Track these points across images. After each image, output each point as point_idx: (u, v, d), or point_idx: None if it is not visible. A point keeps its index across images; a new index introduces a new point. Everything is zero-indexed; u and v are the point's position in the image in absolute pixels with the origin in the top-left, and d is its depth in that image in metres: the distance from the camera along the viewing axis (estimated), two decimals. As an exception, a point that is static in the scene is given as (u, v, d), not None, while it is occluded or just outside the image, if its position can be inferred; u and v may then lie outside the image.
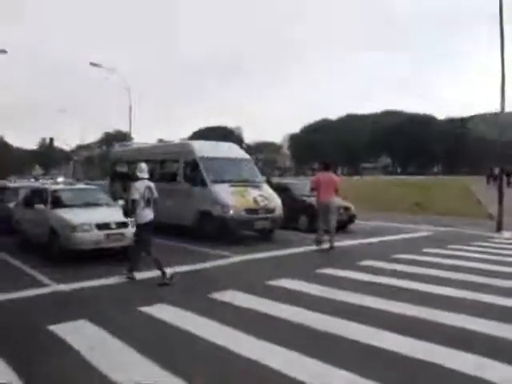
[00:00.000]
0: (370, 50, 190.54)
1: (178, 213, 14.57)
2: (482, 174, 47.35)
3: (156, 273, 8.63)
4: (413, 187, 38.70)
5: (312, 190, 13.34)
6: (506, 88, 16.41)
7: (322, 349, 5.22)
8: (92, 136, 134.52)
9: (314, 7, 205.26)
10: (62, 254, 10.70)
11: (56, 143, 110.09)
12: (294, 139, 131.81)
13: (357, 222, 17.20)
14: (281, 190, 16.21)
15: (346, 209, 16.54)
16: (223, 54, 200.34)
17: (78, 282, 8.56)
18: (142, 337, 5.70)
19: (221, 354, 5.13)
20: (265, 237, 14.45)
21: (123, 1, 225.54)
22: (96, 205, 12.18)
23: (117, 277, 8.90)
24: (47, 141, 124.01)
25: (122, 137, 67.17)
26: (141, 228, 8.93)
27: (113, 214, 11.11)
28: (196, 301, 7.28)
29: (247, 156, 16.73)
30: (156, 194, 9.16)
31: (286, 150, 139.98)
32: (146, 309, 6.81)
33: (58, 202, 11.89)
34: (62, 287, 8.31)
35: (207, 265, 10.26)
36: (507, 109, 16.67)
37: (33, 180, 49.10)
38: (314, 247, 12.41)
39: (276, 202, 14.51)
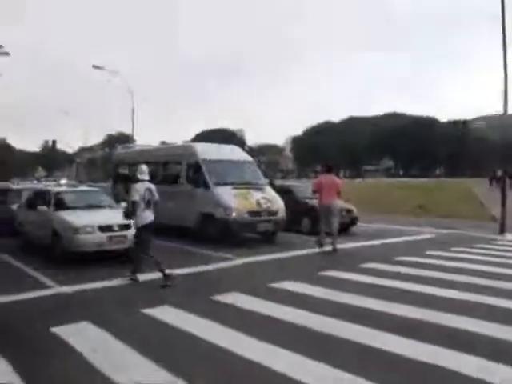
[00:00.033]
0: (370, 50, 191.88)
1: (181, 215, 14.58)
2: (485, 176, 47.29)
3: (158, 275, 8.63)
4: (415, 189, 38.69)
5: (314, 192, 13.35)
6: (508, 88, 16.37)
7: (325, 351, 5.20)
8: (95, 138, 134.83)
9: (314, 7, 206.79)
10: (64, 255, 10.71)
11: (59, 145, 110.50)
12: (297, 141, 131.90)
13: (359, 224, 17.19)
14: (283, 192, 16.18)
15: (349, 211, 16.54)
16: (224, 55, 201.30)
17: (80, 284, 8.56)
18: (145, 339, 5.69)
19: (223, 356, 5.12)
20: (267, 239, 14.44)
21: (123, 1, 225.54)
22: (99, 207, 12.20)
23: (119, 279, 8.91)
24: (50, 143, 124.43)
25: (125, 139, 67.32)
26: (141, 230, 8.94)
27: (115, 216, 11.11)
28: (199, 303, 7.27)
29: (250, 158, 16.72)
30: (156, 196, 9.18)
31: (288, 153, 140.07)
32: (148, 311, 6.80)
33: (60, 204, 11.90)
34: (65, 289, 8.31)
35: (210, 267, 10.25)
36: (510, 110, 16.58)
37: (35, 182, 49.23)
38: (316, 249, 12.41)
39: (279, 204, 14.50)
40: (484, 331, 5.76)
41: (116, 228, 10.72)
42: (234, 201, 13.62)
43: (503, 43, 16.39)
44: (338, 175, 16.38)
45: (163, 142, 73.06)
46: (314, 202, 14.01)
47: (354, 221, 16.80)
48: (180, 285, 8.60)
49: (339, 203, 13.27)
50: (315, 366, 4.79)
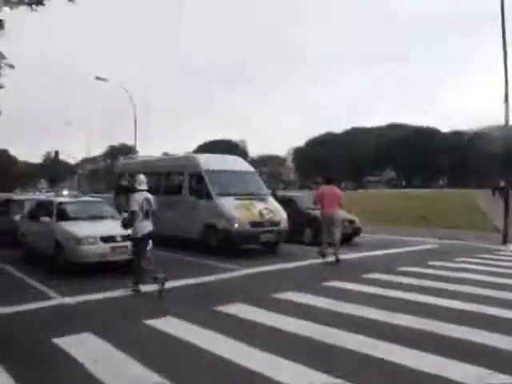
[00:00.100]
0: (370, 59, 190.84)
1: (183, 226, 14.58)
2: (487, 187, 47.19)
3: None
4: (418, 200, 38.63)
5: (315, 203, 13.34)
6: (508, 89, 16.36)
7: (328, 361, 5.18)
8: (97, 149, 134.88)
9: (316, 14, 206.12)
10: (67, 266, 10.72)
11: (61, 156, 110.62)
12: (299, 152, 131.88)
13: (362, 234, 17.18)
14: (286, 202, 16.18)
15: (351, 222, 16.54)
16: (226, 65, 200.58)
17: (83, 294, 8.55)
18: (147, 349, 5.67)
19: (226, 367, 5.10)
20: (270, 250, 14.43)
21: (125, 8, 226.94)
22: (101, 217, 12.21)
23: (122, 290, 8.90)
24: (52, 154, 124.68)
25: (127, 150, 67.39)
26: (139, 240, 8.95)
27: (118, 226, 11.06)
28: (201, 313, 7.25)
29: (252, 169, 16.75)
30: (154, 206, 9.21)
31: (290, 163, 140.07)
32: (151, 322, 6.79)
33: (63, 215, 11.93)
34: (68, 300, 8.31)
35: (212, 278, 10.23)
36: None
37: (38, 193, 49.62)
38: (319, 260, 12.38)
39: (281, 214, 14.50)
40: (486, 341, 5.74)
41: (119, 239, 10.70)
42: (236, 211, 13.62)
43: (503, 45, 16.39)
44: (339, 186, 16.38)
45: (165, 153, 73.28)
46: (316, 213, 14.01)
47: (356, 231, 16.78)
48: (183, 295, 8.60)
49: (341, 213, 13.26)
50: (318, 376, 4.77)
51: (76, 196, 17.22)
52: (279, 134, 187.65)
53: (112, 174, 32.79)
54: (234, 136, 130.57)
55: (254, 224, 13.68)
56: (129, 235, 10.44)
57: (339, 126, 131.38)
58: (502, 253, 14.07)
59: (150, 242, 10.02)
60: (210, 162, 15.50)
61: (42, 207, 12.96)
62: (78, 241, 10.51)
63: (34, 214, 12.99)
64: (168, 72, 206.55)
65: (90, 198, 15.78)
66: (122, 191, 18.33)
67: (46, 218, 11.75)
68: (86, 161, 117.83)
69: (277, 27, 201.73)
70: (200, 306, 7.83)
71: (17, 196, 23.08)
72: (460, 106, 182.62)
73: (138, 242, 8.99)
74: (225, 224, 13.53)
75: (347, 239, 15.75)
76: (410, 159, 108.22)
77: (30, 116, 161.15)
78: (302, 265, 12.05)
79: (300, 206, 17.12)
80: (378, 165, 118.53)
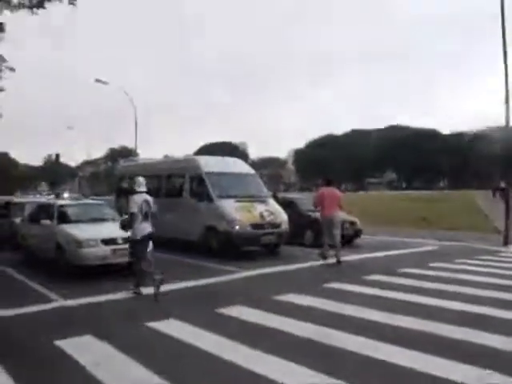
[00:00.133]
0: (371, 59, 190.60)
1: (184, 228, 14.59)
2: (488, 188, 47.17)
3: (163, 287, 8.60)
4: (418, 202, 38.65)
5: (315, 205, 13.34)
6: (509, 89, 16.36)
7: (329, 363, 5.19)
8: (98, 152, 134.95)
9: (316, 14, 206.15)
10: (68, 269, 10.73)
11: (62, 159, 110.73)
12: (299, 154, 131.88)
13: (363, 236, 17.18)
14: (286, 204, 16.18)
15: (352, 223, 16.55)
16: (227, 66, 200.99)
17: (84, 297, 8.56)
18: (149, 352, 5.68)
19: (228, 369, 5.10)
20: (271, 252, 14.44)
21: (126, 10, 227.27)
22: (102, 220, 12.21)
23: (123, 292, 8.91)
24: (53, 157, 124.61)
25: (128, 153, 67.47)
26: (137, 241, 8.97)
27: (119, 229, 11.13)
28: (203, 316, 7.26)
29: (253, 171, 16.76)
30: (154, 208, 9.23)
31: (290, 166, 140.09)
32: (153, 324, 6.80)
33: (64, 218, 11.94)
34: (69, 302, 8.32)
35: (214, 280, 10.24)
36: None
37: (38, 196, 49.77)
38: (320, 262, 12.39)
39: (282, 216, 14.51)
40: (487, 342, 5.75)
41: (120, 241, 10.69)
42: (237, 213, 13.63)
43: (503, 45, 16.41)
44: (339, 188, 16.40)
45: (166, 156, 73.30)
46: (317, 215, 14.00)
47: (357, 233, 16.79)
48: (184, 298, 8.61)
49: (342, 215, 13.28)
50: (319, 377, 4.78)
51: (77, 199, 17.23)
52: (279, 134, 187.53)
53: (113, 176, 32.78)
54: (234, 138, 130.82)
55: (255, 226, 13.69)
56: (129, 237, 10.50)
57: (339, 127, 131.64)
58: (502, 254, 14.07)
59: (151, 243, 10.04)
60: (211, 164, 15.52)
61: (43, 210, 12.96)
62: (79, 243, 10.52)
63: (34, 217, 12.99)
64: (168, 74, 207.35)
65: (91, 201, 15.78)
66: (123, 194, 18.38)
67: (47, 221, 11.75)
68: (86, 163, 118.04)
69: (277, 27, 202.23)
70: (201, 309, 7.83)
71: (17, 199, 23.11)
72: (460, 107, 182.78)
73: (137, 243, 9.00)
74: (225, 226, 13.53)
75: (348, 241, 15.77)
76: (410, 161, 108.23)
77: (30, 119, 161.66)
78: (302, 267, 12.05)
79: (301, 208, 17.11)
80: (379, 167, 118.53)
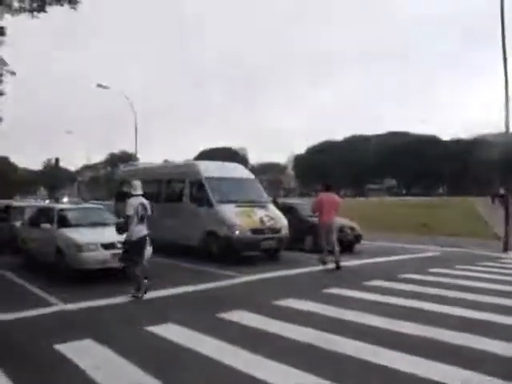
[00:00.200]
0: (371, 59, 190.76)
1: (184, 233, 14.58)
2: (488, 194, 47.21)
3: (163, 292, 8.63)
4: (418, 208, 38.67)
5: (313, 210, 13.31)
6: (508, 91, 16.38)
7: (329, 368, 5.18)
8: (98, 156, 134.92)
9: (316, 14, 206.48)
10: (68, 273, 10.71)
11: (62, 163, 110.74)
12: (299, 160, 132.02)
13: (362, 242, 17.15)
14: (287, 210, 16.16)
15: (352, 229, 16.52)
16: (227, 67, 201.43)
17: (84, 301, 8.55)
18: (149, 356, 5.67)
19: (228, 374, 5.09)
20: (271, 257, 14.42)
21: (126, 11, 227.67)
22: (102, 224, 12.18)
23: (123, 296, 8.89)
24: (53, 161, 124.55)
25: (128, 157, 67.54)
26: (133, 243, 8.98)
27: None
28: (203, 320, 7.25)
29: (252, 176, 16.75)
30: (149, 212, 9.25)
31: (290, 171, 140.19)
32: (152, 328, 6.78)
33: (64, 222, 11.93)
34: (69, 307, 8.30)
35: (214, 285, 10.22)
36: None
37: (33, 201, 49.98)
38: (320, 267, 12.38)
39: (282, 222, 14.50)
40: (487, 348, 5.75)
41: (119, 245, 10.66)
42: (237, 218, 13.62)
43: (503, 45, 16.43)
44: (338, 194, 16.40)
45: (166, 161, 73.34)
46: (317, 220, 14.00)
47: (357, 238, 16.75)
48: (184, 302, 8.59)
49: (342, 221, 13.25)
50: (319, 383, 4.77)
51: (76, 203, 17.23)
52: (279, 134, 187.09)
53: (113, 181, 32.85)
54: (234, 144, 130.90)
55: (255, 231, 13.68)
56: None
57: (339, 127, 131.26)
58: (502, 260, 14.07)
59: (151, 249, 10.06)
60: (211, 169, 15.52)
61: (43, 214, 12.96)
62: (79, 247, 10.50)
63: (34, 221, 12.98)
64: (168, 74, 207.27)
65: (91, 205, 15.79)
66: (121, 197, 18.39)
67: (47, 225, 11.74)
68: (86, 168, 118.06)
69: (277, 27, 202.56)
70: (201, 313, 7.82)
71: (17, 203, 23.13)
72: (460, 112, 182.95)
73: (133, 245, 9.01)
74: (226, 231, 13.53)
75: (348, 246, 15.76)
76: (410, 167, 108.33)
77: (30, 123, 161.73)
78: (302, 272, 12.04)
79: (301, 213, 17.08)
80: (379, 173, 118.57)
